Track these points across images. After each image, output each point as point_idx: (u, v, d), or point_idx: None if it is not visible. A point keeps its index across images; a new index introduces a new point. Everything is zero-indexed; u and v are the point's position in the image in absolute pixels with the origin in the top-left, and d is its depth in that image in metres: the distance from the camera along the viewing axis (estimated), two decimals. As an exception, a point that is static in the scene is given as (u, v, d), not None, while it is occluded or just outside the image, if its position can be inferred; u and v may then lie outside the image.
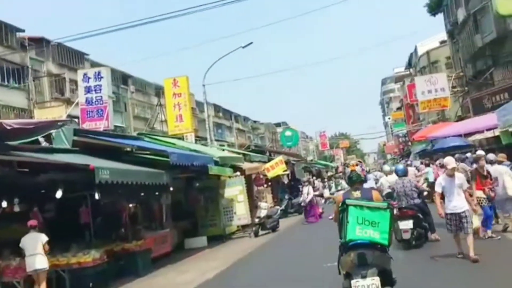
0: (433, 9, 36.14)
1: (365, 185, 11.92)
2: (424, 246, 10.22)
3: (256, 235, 16.74)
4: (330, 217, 16.35)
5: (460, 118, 30.77)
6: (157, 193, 14.50)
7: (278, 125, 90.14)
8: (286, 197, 23.84)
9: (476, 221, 9.39)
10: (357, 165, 20.89)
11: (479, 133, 23.33)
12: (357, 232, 5.57)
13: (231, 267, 11.54)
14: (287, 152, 39.05)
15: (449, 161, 9.09)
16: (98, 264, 10.85)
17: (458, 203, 8.65)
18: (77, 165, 9.91)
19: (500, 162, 11.32)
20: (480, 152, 14.96)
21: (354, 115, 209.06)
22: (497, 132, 20.90)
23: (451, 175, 8.76)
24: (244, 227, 18.22)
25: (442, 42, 44.86)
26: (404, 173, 11.24)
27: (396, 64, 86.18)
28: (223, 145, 29.17)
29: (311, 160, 57.37)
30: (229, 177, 17.20)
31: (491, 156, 12.14)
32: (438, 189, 8.95)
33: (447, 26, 36.60)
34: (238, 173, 18.72)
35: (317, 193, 21.30)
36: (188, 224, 16.86)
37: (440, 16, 37.38)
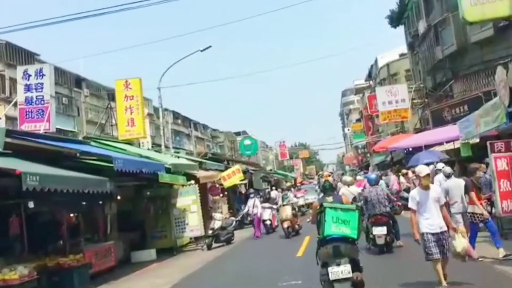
0: (394, 21, 36.24)
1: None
2: (393, 251, 10.96)
3: (209, 248, 15.71)
4: (308, 220, 15.56)
5: (418, 131, 30.72)
6: (101, 202, 13.32)
7: (238, 134, 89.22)
8: (243, 207, 22.88)
9: (464, 241, 7.52)
10: (329, 176, 21.41)
11: (439, 145, 23.15)
12: (333, 228, 6.79)
13: (178, 285, 10.49)
14: (245, 161, 38.25)
15: (422, 168, 7.76)
16: (27, 282, 9.60)
17: (435, 221, 7.30)
18: (2, 169, 8.69)
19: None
20: (441, 166, 14.52)
21: (314, 126, 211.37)
22: (457, 144, 20.72)
23: (425, 187, 7.48)
24: (197, 239, 17.08)
25: (402, 54, 45.25)
26: (377, 182, 11.95)
27: (357, 76, 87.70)
28: (178, 152, 27.89)
29: (270, 170, 56.75)
30: (182, 185, 16.16)
31: (448, 169, 11.94)
32: (412, 205, 7.51)
33: (407, 38, 36.77)
34: (192, 181, 17.76)
35: (274, 206, 20.13)
36: (136, 235, 15.69)
37: (401, 28, 37.60)
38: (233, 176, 20.51)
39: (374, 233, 10.89)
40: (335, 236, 6.80)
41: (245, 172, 28.70)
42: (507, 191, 10.38)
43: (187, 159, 20.58)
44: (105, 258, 12.73)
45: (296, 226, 16.88)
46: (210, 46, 24.47)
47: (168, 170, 14.70)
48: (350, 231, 6.80)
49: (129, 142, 21.01)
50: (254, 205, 18.03)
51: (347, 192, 12.95)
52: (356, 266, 6.82)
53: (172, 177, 14.38)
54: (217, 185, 19.97)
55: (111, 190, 11.26)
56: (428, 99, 30.23)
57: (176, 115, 71.49)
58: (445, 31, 26.59)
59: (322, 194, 8.14)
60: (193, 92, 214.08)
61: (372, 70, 59.99)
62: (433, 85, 29.69)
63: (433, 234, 7.23)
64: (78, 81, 41.74)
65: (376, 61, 56.35)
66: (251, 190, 18.98)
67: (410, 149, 25.69)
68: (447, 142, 21.93)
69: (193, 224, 15.98)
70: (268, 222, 18.68)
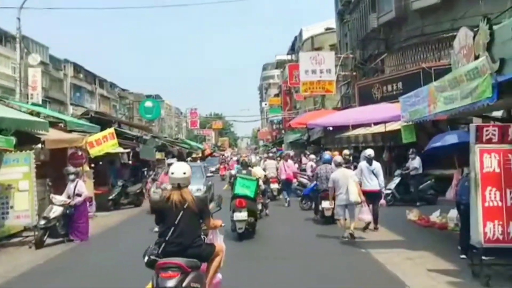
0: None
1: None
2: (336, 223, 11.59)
3: (39, 245, 10.59)
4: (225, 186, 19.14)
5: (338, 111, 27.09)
6: None
7: (150, 97, 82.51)
8: (120, 183, 17.89)
9: None
10: (246, 156, 21.51)
11: (365, 127, 19.55)
12: (240, 190, 11.01)
13: None
14: (137, 125, 33.13)
15: None
16: None
17: None
18: None
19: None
20: (369, 151, 11.80)
21: (232, 98, 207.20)
22: (389, 127, 17.14)
23: None
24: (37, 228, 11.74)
25: (328, 29, 42.21)
26: (329, 161, 12.77)
27: (281, 52, 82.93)
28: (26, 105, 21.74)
29: (177, 139, 51.62)
30: (13, 151, 10.95)
31: (338, 158, 11.63)
32: None
33: (337, 5, 33.03)
34: (39, 146, 12.67)
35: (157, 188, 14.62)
36: None
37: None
38: (103, 143, 15.37)
39: (323, 206, 12.27)
40: (240, 194, 10.93)
41: (136, 138, 23.56)
42: (495, 206, 6.40)
43: (33, 114, 14.96)
44: None
45: None
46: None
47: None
48: (250, 192, 11.02)
49: None
50: (75, 190, 11.38)
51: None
52: (254, 215, 11.05)
53: (-22, 137, 9.11)
54: (80, 153, 14.77)
55: None
56: (357, 72, 26.58)
57: (78, 68, 63.94)
58: (384, -5, 23.00)
59: (241, 168, 13.16)
60: (104, 48, 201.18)
61: (295, 43, 56.43)
62: (363, 58, 26.12)
63: None
64: None
65: (300, 33, 52.89)
66: (72, 170, 12.74)
67: (331, 128, 21.97)
68: (376, 123, 18.36)
69: (21, 209, 10.83)
70: None
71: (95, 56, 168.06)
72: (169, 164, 11.94)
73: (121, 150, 17.35)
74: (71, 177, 11.61)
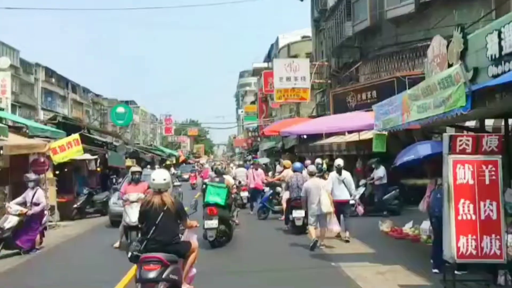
0: (302, -8, 32.18)
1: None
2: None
3: (-8, 258, 10.03)
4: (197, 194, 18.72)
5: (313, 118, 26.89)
6: None
7: (126, 102, 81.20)
8: (85, 191, 17.26)
9: None
10: (220, 164, 21.37)
11: (339, 135, 19.34)
12: (210, 198, 10.90)
13: None
14: (107, 131, 32.41)
15: None
16: None
17: None
18: None
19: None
20: (338, 161, 11.86)
21: (209, 104, 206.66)
22: (363, 135, 16.95)
23: None
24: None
25: (304, 37, 42.22)
26: (301, 170, 12.75)
27: (257, 59, 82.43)
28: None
29: (151, 145, 50.97)
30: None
31: (312, 167, 11.41)
32: None
33: (313, 13, 32.95)
34: (1, 151, 12.10)
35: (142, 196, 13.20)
36: None
37: (307, 4, 33.65)
38: (68, 149, 14.77)
39: (294, 215, 12.04)
40: (211, 202, 10.80)
41: (105, 144, 22.98)
42: (468, 220, 6.13)
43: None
44: None
45: None
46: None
47: None
48: (220, 200, 10.87)
49: None
50: (33, 199, 10.71)
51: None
52: (226, 222, 10.91)
53: None
54: (43, 159, 14.13)
55: None
56: (331, 80, 26.44)
57: (49, 72, 62.57)
58: (359, 4, 22.89)
59: (214, 175, 13.04)
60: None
61: (272, 50, 56.34)
62: (338, 66, 25.99)
63: None
64: None
65: (277, 40, 52.82)
66: (33, 177, 11.85)
67: (305, 136, 21.72)
68: (350, 132, 18.15)
69: (-27, 219, 10.23)
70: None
71: (68, 60, 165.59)
72: (133, 172, 11.35)
73: (87, 156, 16.78)
74: (31, 184, 11.03)
